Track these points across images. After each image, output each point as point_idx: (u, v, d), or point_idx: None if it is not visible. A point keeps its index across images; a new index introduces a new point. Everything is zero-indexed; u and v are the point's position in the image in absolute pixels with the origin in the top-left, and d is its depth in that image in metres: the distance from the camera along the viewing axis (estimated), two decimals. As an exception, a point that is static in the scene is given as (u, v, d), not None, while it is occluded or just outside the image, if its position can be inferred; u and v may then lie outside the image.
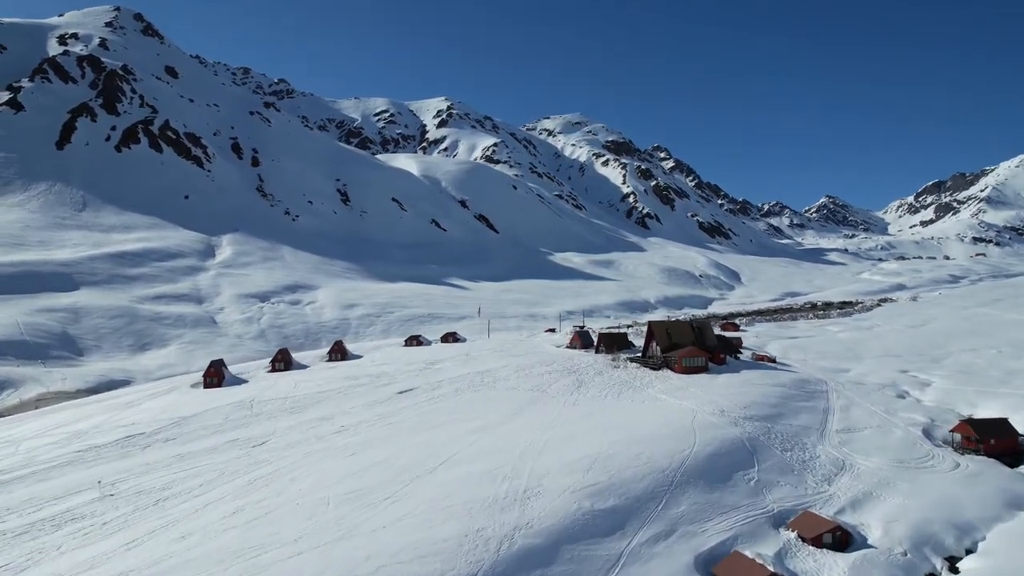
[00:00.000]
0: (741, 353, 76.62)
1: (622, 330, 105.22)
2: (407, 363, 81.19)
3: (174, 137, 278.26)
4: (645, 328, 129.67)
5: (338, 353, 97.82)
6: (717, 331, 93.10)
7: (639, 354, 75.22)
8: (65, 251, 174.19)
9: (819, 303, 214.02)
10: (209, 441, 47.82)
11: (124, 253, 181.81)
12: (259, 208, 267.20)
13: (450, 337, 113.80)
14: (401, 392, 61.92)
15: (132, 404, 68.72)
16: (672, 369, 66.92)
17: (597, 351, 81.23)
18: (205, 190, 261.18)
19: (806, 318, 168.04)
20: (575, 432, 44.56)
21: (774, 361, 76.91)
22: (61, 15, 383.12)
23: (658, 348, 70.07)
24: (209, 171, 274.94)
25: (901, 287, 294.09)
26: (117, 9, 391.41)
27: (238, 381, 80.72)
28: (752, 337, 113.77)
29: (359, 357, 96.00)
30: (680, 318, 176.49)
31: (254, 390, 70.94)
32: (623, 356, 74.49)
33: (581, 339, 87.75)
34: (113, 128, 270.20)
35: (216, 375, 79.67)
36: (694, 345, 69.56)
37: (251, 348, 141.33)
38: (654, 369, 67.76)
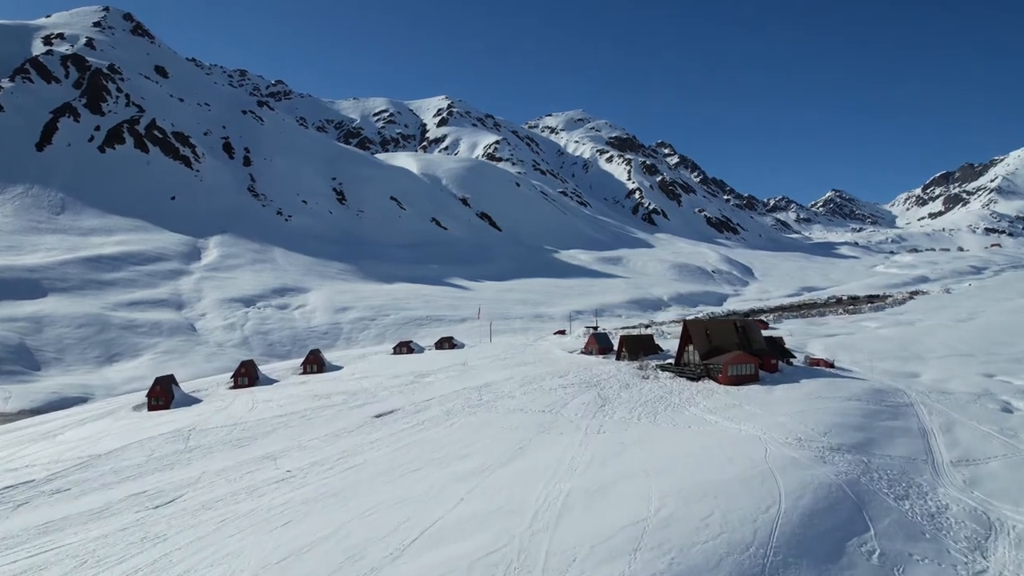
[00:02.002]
0: (795, 357, 63.75)
1: (643, 331, 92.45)
2: (392, 376, 68.64)
3: (161, 136, 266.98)
4: (665, 329, 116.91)
5: (314, 364, 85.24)
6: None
7: (671, 361, 62.49)
8: (36, 256, 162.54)
9: (844, 297, 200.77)
10: (106, 495, 35.49)
11: (101, 257, 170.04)
12: (250, 208, 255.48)
13: (445, 343, 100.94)
14: (378, 416, 49.51)
15: (50, 434, 56.57)
16: (715, 380, 54.23)
17: (619, 357, 68.63)
18: (193, 191, 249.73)
19: (835, 313, 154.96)
20: (607, 478, 31.91)
21: (831, 366, 64.06)
22: (48, 16, 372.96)
23: (696, 353, 57.30)
24: (198, 171, 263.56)
25: (924, 279, 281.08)
26: (106, 9, 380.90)
27: (190, 401, 68.43)
28: (786, 336, 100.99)
29: (339, 368, 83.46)
30: (699, 316, 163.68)
31: (202, 413, 58.57)
32: (652, 363, 61.78)
33: (598, 343, 74.96)
34: (97, 128, 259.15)
35: (163, 394, 67.33)
36: (740, 349, 56.80)
37: (232, 357, 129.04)
38: (692, 380, 55.10)
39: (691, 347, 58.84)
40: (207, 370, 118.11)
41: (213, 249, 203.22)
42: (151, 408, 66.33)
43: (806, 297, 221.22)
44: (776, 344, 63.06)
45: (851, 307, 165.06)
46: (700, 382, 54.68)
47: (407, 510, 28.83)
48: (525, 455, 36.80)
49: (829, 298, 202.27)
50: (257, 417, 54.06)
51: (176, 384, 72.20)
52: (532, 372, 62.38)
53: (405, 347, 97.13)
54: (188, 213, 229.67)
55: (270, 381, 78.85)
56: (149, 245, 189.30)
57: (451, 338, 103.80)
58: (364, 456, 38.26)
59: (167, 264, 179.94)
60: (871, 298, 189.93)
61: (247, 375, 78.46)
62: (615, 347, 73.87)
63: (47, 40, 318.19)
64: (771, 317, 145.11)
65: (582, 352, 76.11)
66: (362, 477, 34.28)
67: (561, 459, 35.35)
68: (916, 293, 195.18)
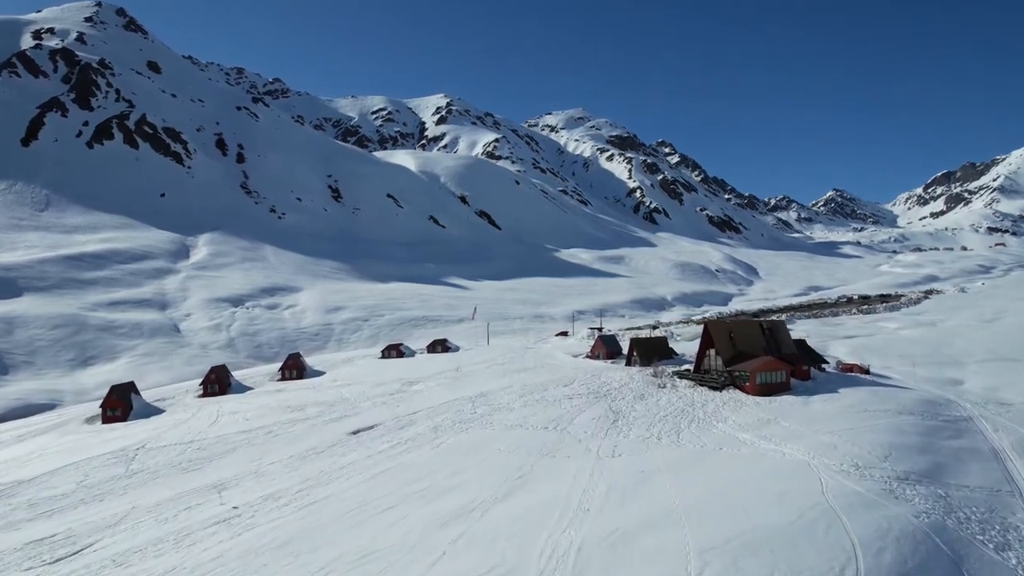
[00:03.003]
0: (827, 363, 57.07)
1: (652, 333, 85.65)
2: (377, 383, 61.88)
3: (151, 132, 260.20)
4: (674, 330, 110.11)
5: (293, 369, 78.37)
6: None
7: (689, 367, 55.81)
8: (15, 254, 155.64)
9: (855, 296, 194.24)
10: (2, 541, 28.81)
11: (83, 255, 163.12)
12: (243, 206, 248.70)
13: (438, 346, 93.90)
14: (354, 433, 42.88)
15: (-19, 453, 50.02)
16: (742, 389, 47.59)
17: (629, 362, 61.94)
18: (184, 187, 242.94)
19: (849, 313, 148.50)
20: (628, 523, 25.18)
21: (867, 372, 57.38)
22: (39, 11, 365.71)
23: (719, 359, 50.60)
24: (189, 168, 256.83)
25: (933, 278, 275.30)
26: (99, 4, 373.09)
27: (151, 411, 61.59)
28: (802, 337, 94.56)
29: (321, 374, 76.67)
30: (707, 316, 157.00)
31: (158, 427, 51.83)
32: (668, 370, 55.05)
33: (605, 346, 68.24)
34: (85, 123, 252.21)
35: (119, 404, 60.41)
36: (767, 353, 50.17)
37: (216, 360, 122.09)
38: (715, 389, 48.45)
39: (712, 351, 52.18)
40: (188, 374, 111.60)
41: (202, 247, 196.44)
42: (105, 420, 59.37)
43: (815, 297, 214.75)
44: (806, 348, 56.36)
45: (865, 307, 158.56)
46: (724, 392, 48.05)
47: (372, 570, 22.13)
48: (525, 487, 30.10)
49: (840, 297, 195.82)
50: (218, 433, 47.29)
51: (136, 392, 65.22)
52: (533, 380, 55.73)
53: (394, 350, 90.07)
54: (178, 210, 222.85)
55: (244, 388, 72.08)
56: (135, 243, 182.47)
57: (444, 340, 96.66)
58: (330, 488, 31.53)
59: (153, 262, 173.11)
60: (884, 297, 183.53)
61: (217, 382, 71.47)
62: (624, 351, 67.28)
63: (37, 35, 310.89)
64: (783, 317, 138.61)
65: (588, 356, 69.50)
66: (323, 518, 27.57)
67: (570, 494, 28.67)
68: (931, 292, 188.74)
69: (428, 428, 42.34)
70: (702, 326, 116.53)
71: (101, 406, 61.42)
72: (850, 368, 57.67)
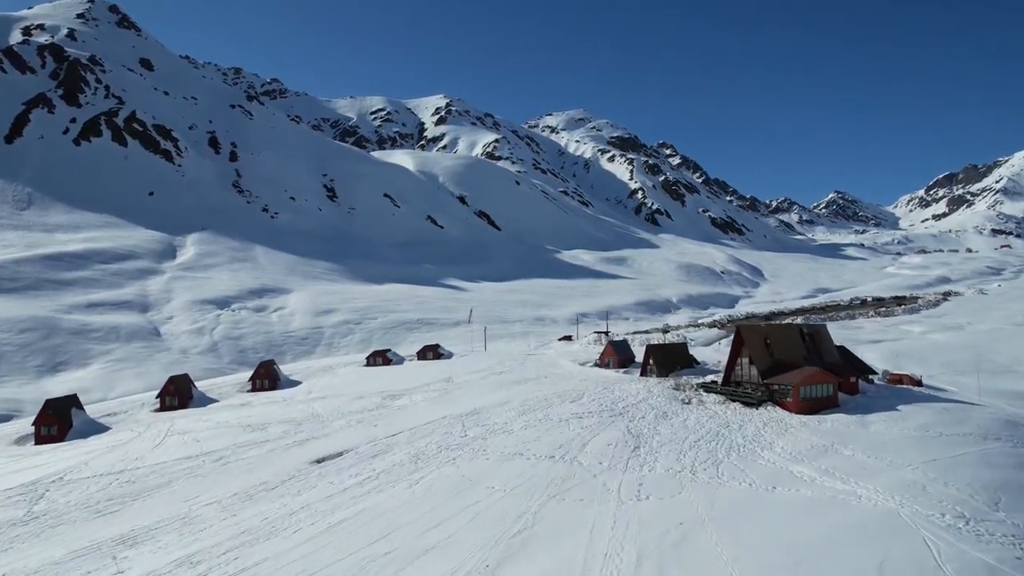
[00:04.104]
0: (876, 373, 49.47)
1: (664, 337, 77.93)
2: (356, 396, 54.18)
3: (140, 129, 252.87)
4: (685, 335, 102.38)
5: (265, 379, 70.60)
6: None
7: (714, 378, 48.19)
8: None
9: (869, 299, 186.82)
10: None
11: (62, 255, 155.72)
12: (234, 205, 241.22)
13: (429, 352, 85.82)
14: (319, 461, 35.34)
15: None
16: (782, 406, 39.97)
17: (644, 372, 54.30)
18: (173, 186, 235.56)
19: (865, 316, 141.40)
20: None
21: (919, 384, 49.83)
22: (31, 7, 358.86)
23: (754, 369, 42.98)
24: (179, 166, 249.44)
25: (945, 280, 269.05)
26: (91, 1, 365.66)
27: (93, 429, 53.90)
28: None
29: (296, 384, 68.95)
30: (716, 319, 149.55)
31: (92, 451, 44.16)
32: (692, 382, 47.40)
33: (617, 353, 60.49)
34: (73, 120, 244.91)
35: (55, 421, 52.65)
36: (808, 363, 42.59)
37: (197, 365, 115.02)
38: (750, 405, 40.84)
39: (745, 361, 44.55)
40: (163, 381, 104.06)
41: (190, 247, 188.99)
42: (39, 440, 51.61)
43: (825, 299, 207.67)
44: (849, 356, 48.73)
45: (881, 309, 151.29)
46: (761, 408, 40.44)
47: None
48: (526, 549, 22.46)
49: (853, 299, 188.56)
50: (157, 459, 39.68)
51: (79, 407, 57.17)
52: (535, 393, 48.14)
53: (380, 357, 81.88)
54: (166, 209, 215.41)
55: (208, 401, 64.41)
56: (119, 242, 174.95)
57: (436, 346, 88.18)
58: (268, 547, 23.90)
59: (136, 263, 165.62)
60: (899, 299, 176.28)
61: (177, 394, 63.69)
62: (637, 357, 59.73)
63: (26, 31, 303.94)
64: (797, 320, 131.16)
65: (596, 364, 61.93)
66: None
67: (588, 561, 21.08)
68: (948, 294, 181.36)
69: (407, 456, 34.68)
70: (716, 329, 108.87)
71: (34, 423, 53.50)
72: (899, 379, 50.11)
